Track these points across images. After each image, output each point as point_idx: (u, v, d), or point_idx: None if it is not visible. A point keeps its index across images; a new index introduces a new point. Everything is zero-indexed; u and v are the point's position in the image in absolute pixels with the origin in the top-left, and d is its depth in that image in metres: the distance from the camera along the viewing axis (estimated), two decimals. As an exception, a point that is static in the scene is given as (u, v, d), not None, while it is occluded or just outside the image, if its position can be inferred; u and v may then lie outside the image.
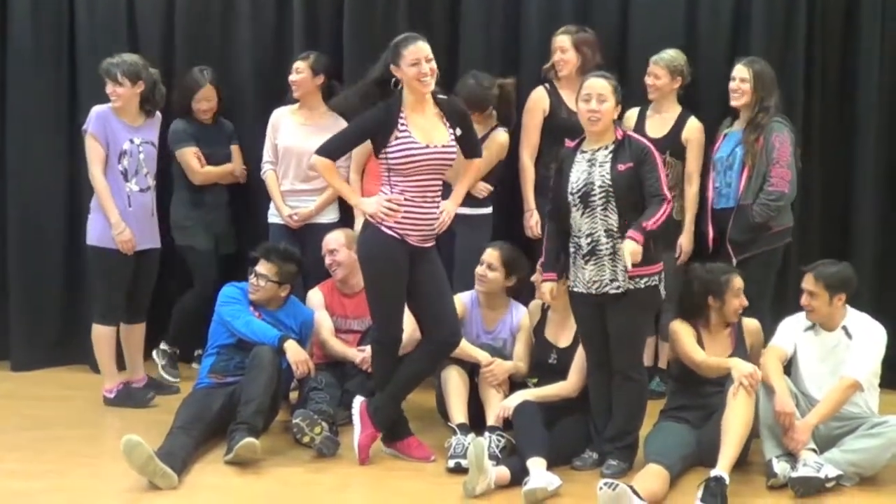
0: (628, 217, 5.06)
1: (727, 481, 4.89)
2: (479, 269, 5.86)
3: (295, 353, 5.72)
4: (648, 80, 6.48)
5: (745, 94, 6.19)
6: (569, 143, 5.35)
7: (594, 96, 5.13)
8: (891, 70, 6.84)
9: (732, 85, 6.23)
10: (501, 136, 6.43)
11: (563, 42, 6.51)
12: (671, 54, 6.47)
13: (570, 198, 5.16)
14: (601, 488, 4.64)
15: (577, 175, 5.16)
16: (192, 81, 6.81)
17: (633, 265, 4.97)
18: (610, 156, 5.13)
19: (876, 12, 6.77)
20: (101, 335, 6.27)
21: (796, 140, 6.25)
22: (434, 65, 5.18)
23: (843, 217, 6.95)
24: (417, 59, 5.13)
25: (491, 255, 5.86)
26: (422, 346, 5.46)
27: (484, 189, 6.36)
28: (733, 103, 6.26)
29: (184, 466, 5.12)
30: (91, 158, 6.11)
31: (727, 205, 6.27)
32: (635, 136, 5.35)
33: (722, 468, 4.93)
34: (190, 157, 6.77)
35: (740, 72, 6.22)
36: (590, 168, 5.14)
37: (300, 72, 6.68)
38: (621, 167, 5.08)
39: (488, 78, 6.41)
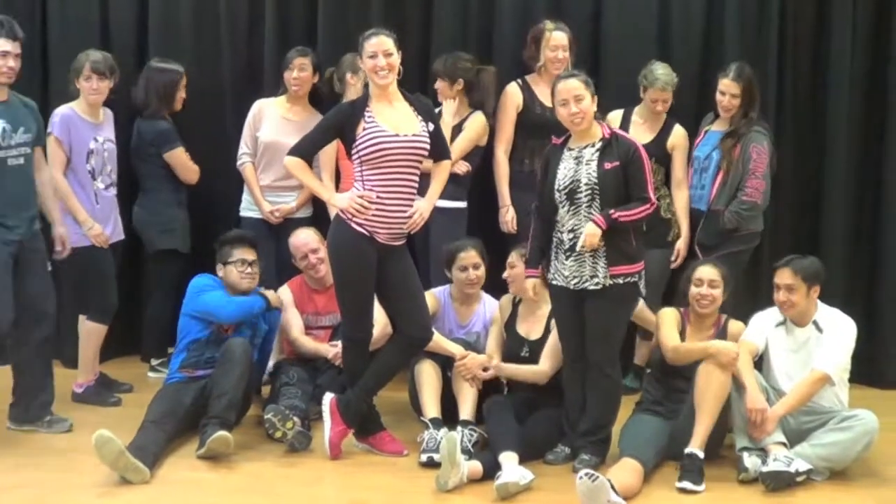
0: None
1: (701, 456, 5.02)
2: (468, 275, 5.84)
3: (274, 299, 6.03)
4: (657, 108, 6.36)
5: (734, 108, 6.23)
6: (555, 140, 5.34)
7: (571, 99, 5.13)
8: (862, 69, 6.89)
9: (722, 100, 6.25)
10: (481, 116, 6.43)
11: (563, 41, 6.44)
12: (664, 71, 6.34)
13: (556, 194, 5.17)
14: (581, 478, 4.65)
15: (565, 172, 5.17)
16: (172, 74, 6.65)
17: (610, 263, 5.09)
18: (597, 154, 5.14)
19: (846, 12, 6.80)
20: (95, 332, 6.23)
21: (773, 147, 6.29)
22: (394, 60, 5.21)
23: (814, 212, 7.00)
24: (374, 52, 5.18)
25: (471, 256, 5.85)
26: (393, 341, 5.47)
27: (464, 166, 6.35)
28: (722, 115, 6.31)
29: (155, 461, 5.11)
30: (53, 162, 6.00)
31: (698, 206, 6.34)
32: (623, 134, 5.36)
33: (695, 445, 5.06)
34: (183, 155, 6.64)
35: (730, 87, 6.21)
36: (577, 165, 5.15)
37: (305, 69, 6.58)
38: (608, 165, 5.09)
39: (470, 58, 6.46)
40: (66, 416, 5.76)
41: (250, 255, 5.97)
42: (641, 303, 5.65)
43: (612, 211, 5.02)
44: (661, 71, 6.36)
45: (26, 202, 5.57)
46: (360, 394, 5.37)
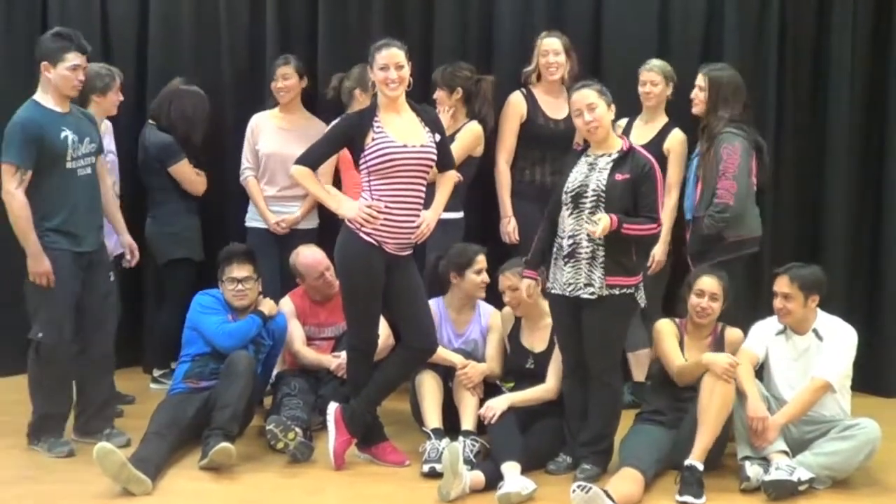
0: None
1: (700, 468, 5.02)
2: (484, 278, 5.83)
3: (270, 308, 5.94)
4: (644, 89, 6.40)
5: (700, 103, 6.16)
6: (577, 146, 5.37)
7: (584, 108, 5.15)
8: (862, 70, 6.91)
9: (692, 92, 6.23)
10: (476, 126, 6.40)
11: (555, 45, 6.46)
12: (661, 61, 6.45)
13: (563, 197, 5.19)
14: (574, 491, 4.68)
15: (575, 176, 5.19)
16: (202, 100, 6.71)
17: (609, 268, 5.07)
18: (611, 164, 5.15)
19: (846, 14, 6.82)
20: None
21: (750, 148, 6.05)
22: (405, 73, 5.22)
23: (814, 218, 7.01)
24: (386, 64, 5.19)
25: (485, 260, 5.86)
26: (398, 352, 5.47)
27: (455, 177, 6.33)
28: (693, 111, 6.24)
29: (158, 472, 5.11)
30: None
31: (686, 216, 6.28)
32: (641, 150, 5.31)
33: (694, 457, 5.07)
34: (188, 168, 6.67)
35: (699, 80, 6.18)
36: (588, 172, 5.17)
37: (288, 77, 6.63)
38: (618, 177, 5.09)
39: (470, 67, 6.47)
40: (124, 431, 5.73)
41: (242, 271, 5.93)
42: None
43: (626, 222, 5.00)
44: (655, 60, 6.44)
45: (96, 212, 5.60)
46: (365, 404, 5.37)
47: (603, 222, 4.95)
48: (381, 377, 5.40)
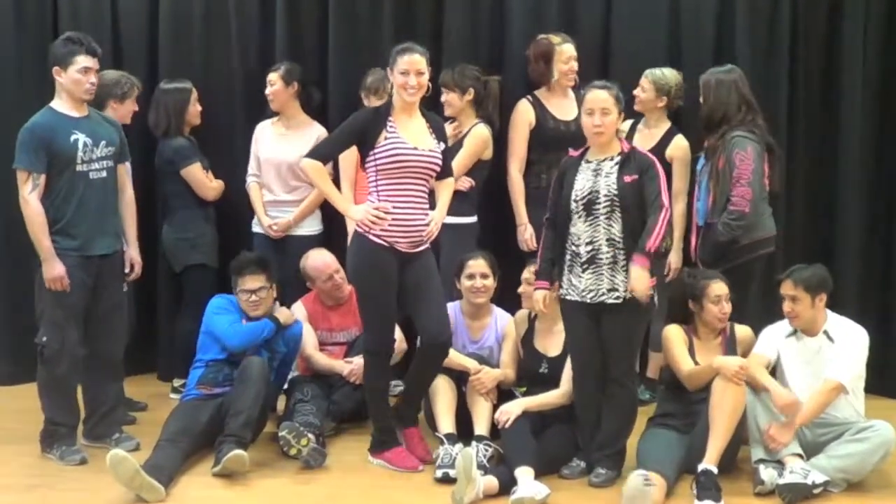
0: (632, 227, 5.07)
1: (715, 472, 5.01)
2: (475, 283, 5.82)
3: (287, 317, 5.90)
4: (635, 91, 6.43)
5: (701, 105, 6.12)
6: (573, 153, 5.35)
7: (597, 110, 5.15)
8: (874, 74, 6.88)
9: None
10: (483, 129, 6.39)
11: (573, 51, 6.49)
12: (663, 72, 6.43)
13: (572, 205, 5.17)
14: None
15: (582, 183, 5.17)
16: (181, 93, 6.71)
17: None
18: (616, 167, 5.14)
19: (858, 15, 6.80)
20: None
21: (762, 150, 5.97)
22: (424, 79, 5.26)
23: (828, 219, 6.97)
24: (407, 69, 5.23)
25: (479, 265, 5.84)
26: (418, 351, 5.48)
27: (466, 182, 6.32)
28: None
29: (171, 479, 5.11)
30: None
31: (699, 221, 6.20)
32: (641, 149, 5.37)
33: (708, 461, 5.05)
34: (199, 172, 6.69)
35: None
36: (595, 177, 5.16)
37: (273, 84, 6.69)
38: (627, 178, 5.09)
39: (476, 68, 6.48)
40: (133, 436, 5.75)
41: (256, 282, 5.89)
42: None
43: (647, 245, 4.98)
44: (659, 70, 6.44)
45: (108, 216, 5.61)
46: (407, 404, 5.51)
47: (641, 283, 4.98)
48: (411, 377, 5.49)
